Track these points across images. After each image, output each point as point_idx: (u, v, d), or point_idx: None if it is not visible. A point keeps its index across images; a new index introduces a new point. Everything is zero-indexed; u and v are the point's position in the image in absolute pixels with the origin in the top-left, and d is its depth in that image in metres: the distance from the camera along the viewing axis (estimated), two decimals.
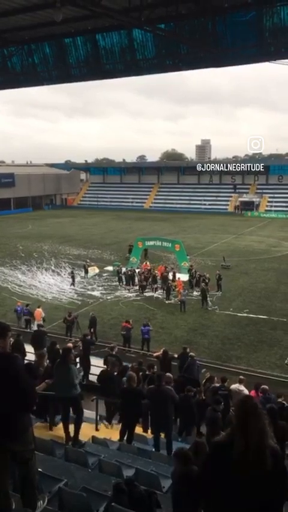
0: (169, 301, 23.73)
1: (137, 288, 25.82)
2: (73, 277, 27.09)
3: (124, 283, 26.74)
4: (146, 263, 29.02)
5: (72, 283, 26.76)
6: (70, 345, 12.96)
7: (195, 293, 24.63)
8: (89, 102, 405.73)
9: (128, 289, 26.02)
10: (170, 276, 26.18)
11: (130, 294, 25.20)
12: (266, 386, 10.17)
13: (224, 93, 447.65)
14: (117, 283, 27.09)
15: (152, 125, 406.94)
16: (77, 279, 27.73)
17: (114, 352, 12.75)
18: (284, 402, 9.26)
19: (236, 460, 2.28)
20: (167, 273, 26.36)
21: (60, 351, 8.37)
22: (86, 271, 28.74)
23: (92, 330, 18.02)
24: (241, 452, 2.28)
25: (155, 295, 24.89)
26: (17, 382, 3.41)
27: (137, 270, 27.64)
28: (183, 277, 26.28)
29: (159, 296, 24.65)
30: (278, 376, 15.06)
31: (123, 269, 27.61)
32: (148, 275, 26.08)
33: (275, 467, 2.30)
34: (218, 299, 23.83)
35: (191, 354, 13.26)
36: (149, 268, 27.60)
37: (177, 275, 26.58)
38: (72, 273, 27.61)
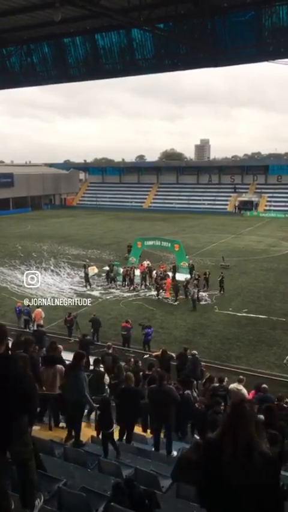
0: (176, 302, 23.35)
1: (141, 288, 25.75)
2: (87, 279, 26.82)
3: (116, 282, 26.70)
4: (144, 263, 28.90)
5: (86, 285, 26.52)
6: (60, 346, 12.90)
7: (201, 293, 24.37)
8: (85, 102, 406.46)
9: (122, 289, 25.92)
10: (170, 275, 26.06)
11: (129, 294, 25.16)
12: (265, 386, 10.22)
13: (221, 93, 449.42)
14: (106, 282, 26.87)
15: (150, 125, 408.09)
16: (76, 278, 27.74)
17: (110, 351, 12.77)
18: (284, 404, 9.25)
19: (225, 459, 2.30)
20: (173, 273, 26.28)
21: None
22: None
23: (92, 331, 17.87)
24: (230, 453, 2.30)
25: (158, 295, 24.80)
26: (17, 382, 3.38)
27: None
28: (182, 276, 26.14)
29: (160, 297, 24.53)
30: (277, 375, 15.07)
31: (121, 269, 27.53)
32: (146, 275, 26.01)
33: (265, 469, 2.30)
34: (217, 299, 23.82)
35: (193, 351, 13.25)
36: (145, 268, 27.53)
37: (176, 275, 26.51)
38: (86, 275, 27.10)
